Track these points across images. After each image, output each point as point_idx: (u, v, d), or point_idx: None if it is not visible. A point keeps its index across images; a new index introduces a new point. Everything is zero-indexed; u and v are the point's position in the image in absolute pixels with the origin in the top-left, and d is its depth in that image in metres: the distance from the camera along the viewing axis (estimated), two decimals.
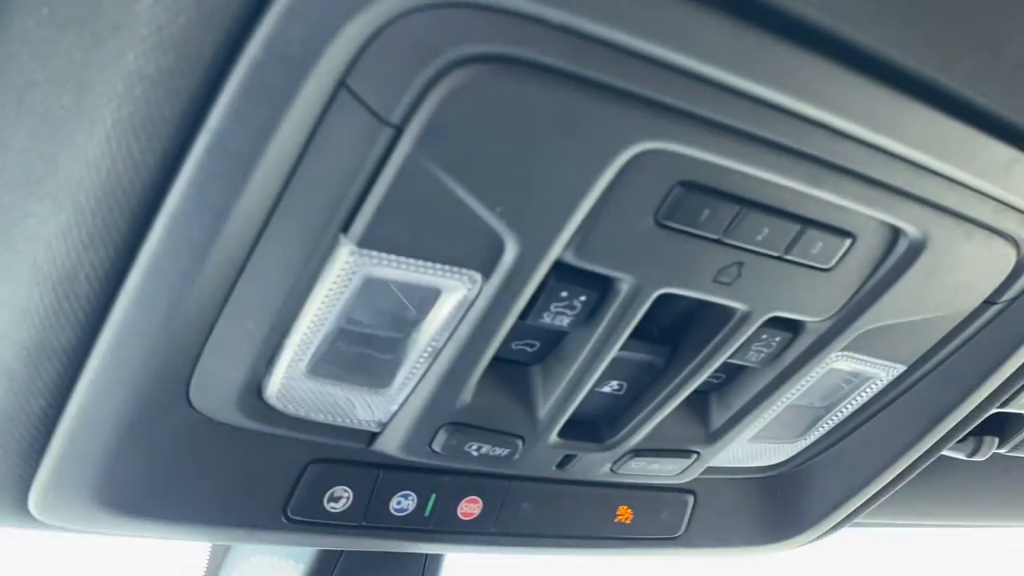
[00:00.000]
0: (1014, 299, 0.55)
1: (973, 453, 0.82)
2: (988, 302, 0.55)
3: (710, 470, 0.65)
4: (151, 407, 0.44)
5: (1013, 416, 0.81)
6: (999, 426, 0.83)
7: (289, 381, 0.46)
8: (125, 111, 0.33)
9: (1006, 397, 0.66)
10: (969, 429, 0.67)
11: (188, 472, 0.48)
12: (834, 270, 0.48)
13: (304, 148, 0.36)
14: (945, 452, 0.82)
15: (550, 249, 0.41)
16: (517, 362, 0.52)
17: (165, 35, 0.31)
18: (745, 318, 0.49)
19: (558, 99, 0.36)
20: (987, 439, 0.82)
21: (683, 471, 0.61)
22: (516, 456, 0.54)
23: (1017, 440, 0.83)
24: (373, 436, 0.52)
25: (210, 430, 0.48)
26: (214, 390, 0.46)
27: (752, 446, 0.64)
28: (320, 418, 0.49)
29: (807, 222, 0.45)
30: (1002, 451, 0.84)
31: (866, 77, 0.38)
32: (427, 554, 0.77)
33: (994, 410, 0.74)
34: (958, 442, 0.82)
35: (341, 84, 0.34)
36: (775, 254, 0.45)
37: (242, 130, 0.33)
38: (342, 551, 0.73)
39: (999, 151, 0.43)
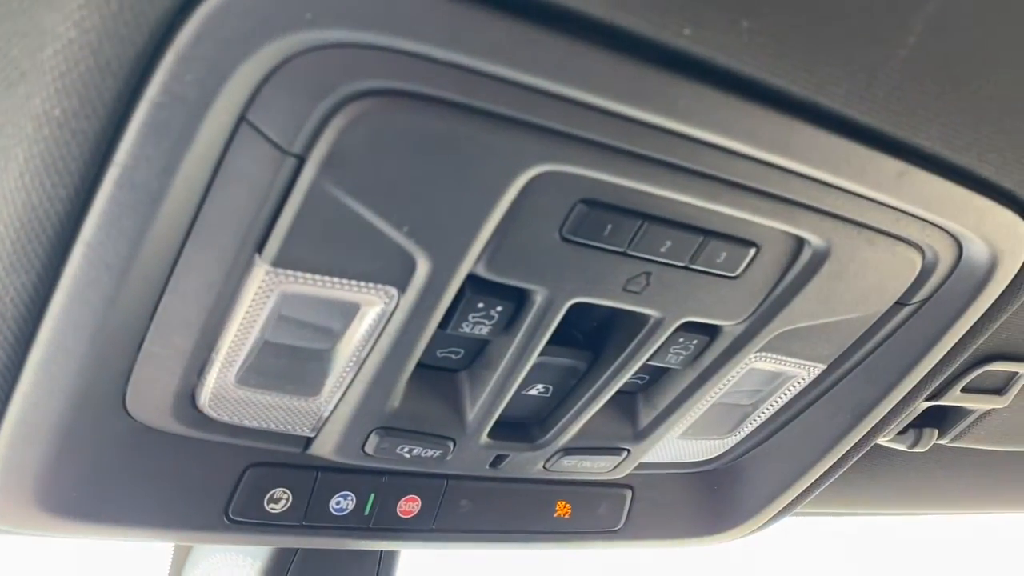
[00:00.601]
0: (926, 300, 0.58)
1: (914, 444, 0.85)
2: (900, 303, 0.57)
3: (646, 466, 0.68)
4: (87, 417, 0.46)
5: (951, 408, 0.84)
6: (939, 418, 0.86)
7: (220, 391, 0.48)
8: (35, 150, 0.35)
9: (930, 391, 0.69)
10: (897, 423, 0.70)
11: (129, 477, 0.51)
12: (741, 277, 0.50)
13: (212, 177, 0.38)
14: (887, 444, 0.85)
15: (460, 265, 0.44)
16: (445, 368, 0.55)
17: (67, 81, 0.33)
18: (659, 324, 0.51)
19: (451, 128, 0.38)
20: (927, 431, 0.84)
21: (615, 467, 0.63)
22: (448, 457, 0.56)
23: (956, 431, 0.85)
24: (308, 441, 0.55)
25: (148, 437, 0.50)
26: (149, 400, 0.48)
27: (683, 443, 0.67)
28: (254, 425, 0.52)
29: (709, 233, 0.47)
30: (942, 442, 0.87)
31: (747, 100, 0.40)
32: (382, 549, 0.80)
33: (927, 404, 0.77)
34: (899, 434, 0.85)
35: (242, 119, 0.36)
36: (680, 264, 0.48)
37: (147, 165, 0.36)
38: (297, 548, 0.76)
39: (887, 164, 0.46)
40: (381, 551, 0.80)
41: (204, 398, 0.49)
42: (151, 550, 0.93)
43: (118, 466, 0.50)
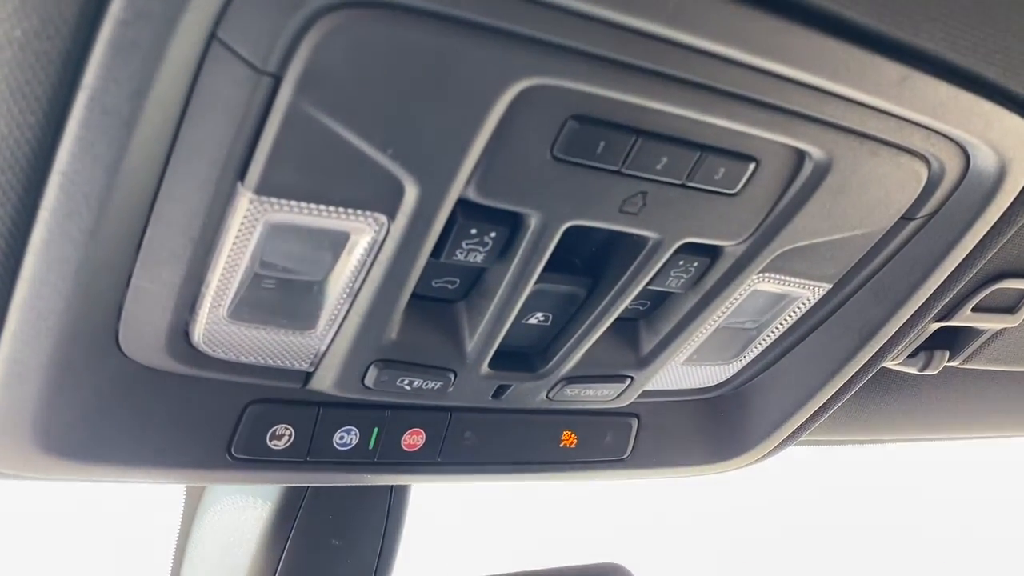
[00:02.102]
0: (933, 214, 0.56)
1: (925, 367, 0.84)
2: (906, 218, 0.56)
3: (651, 393, 0.67)
4: (81, 356, 0.46)
5: (962, 329, 0.83)
6: (950, 340, 0.85)
7: (212, 326, 0.48)
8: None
9: (940, 311, 0.68)
10: (906, 344, 0.69)
11: (129, 416, 0.51)
12: (741, 194, 0.49)
13: (186, 101, 0.37)
14: (898, 368, 0.84)
15: (449, 188, 0.42)
16: (442, 299, 0.54)
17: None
18: (658, 245, 0.50)
19: (432, 40, 0.37)
20: (938, 353, 0.83)
21: (619, 395, 0.63)
22: (450, 389, 0.56)
23: (967, 352, 0.84)
24: (308, 376, 0.54)
25: (144, 375, 0.50)
26: (142, 337, 0.48)
27: (688, 369, 0.66)
28: (250, 360, 0.51)
29: (706, 148, 0.46)
30: (954, 364, 0.86)
31: (737, 1, 0.39)
32: (392, 485, 0.80)
33: (937, 325, 0.76)
34: (909, 357, 0.84)
35: (212, 37, 0.35)
36: (677, 182, 0.47)
37: (117, 88, 0.35)
38: (307, 486, 0.76)
39: (888, 69, 0.44)
40: (391, 490, 0.81)
41: (198, 334, 0.48)
42: (164, 497, 0.94)
43: (116, 405, 0.50)
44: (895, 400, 0.98)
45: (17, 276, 0.41)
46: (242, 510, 0.77)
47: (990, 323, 0.79)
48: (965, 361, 0.86)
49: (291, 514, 0.75)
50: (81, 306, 0.43)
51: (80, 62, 0.34)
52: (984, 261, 0.61)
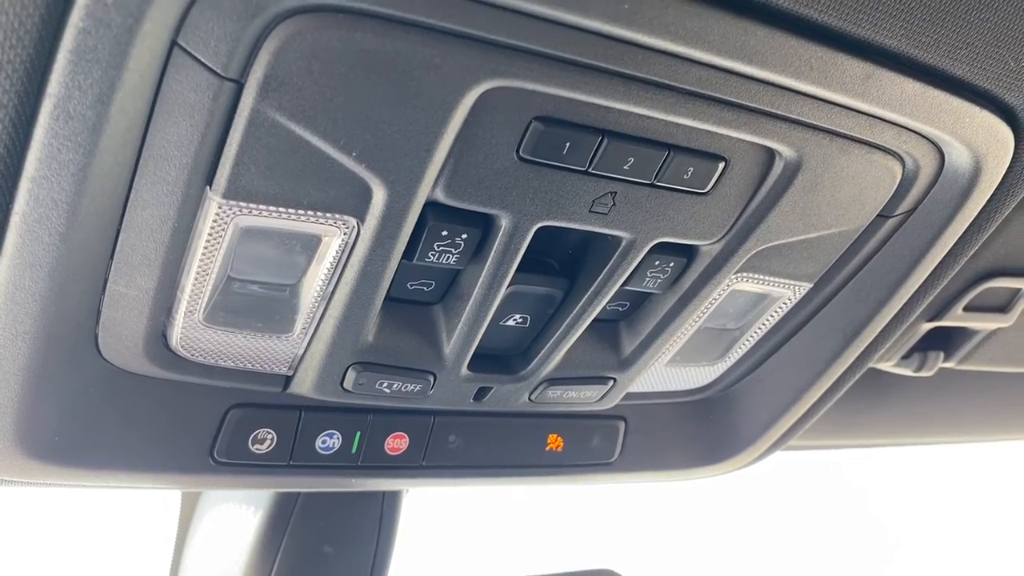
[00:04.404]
0: (910, 211, 0.56)
1: (919, 368, 0.84)
2: (883, 216, 0.56)
3: (637, 396, 0.67)
4: (60, 360, 0.47)
5: (957, 330, 0.83)
6: (945, 341, 0.84)
7: (189, 331, 0.48)
8: None
9: (930, 311, 0.68)
10: (894, 343, 0.69)
11: (111, 421, 0.51)
12: (712, 194, 0.49)
13: (151, 107, 0.38)
14: (892, 369, 0.84)
15: (416, 190, 0.43)
16: (419, 302, 0.54)
17: None
18: (631, 245, 0.51)
19: (391, 45, 0.37)
20: (932, 354, 0.83)
21: (602, 397, 0.63)
22: (430, 391, 0.56)
23: (962, 353, 0.84)
24: (287, 380, 0.55)
25: (126, 380, 0.51)
26: (121, 342, 0.48)
27: (673, 370, 0.66)
28: (229, 364, 0.52)
29: (674, 148, 0.46)
30: (949, 365, 0.85)
31: (695, 1, 0.39)
32: (384, 491, 0.81)
33: (930, 326, 0.76)
34: (903, 359, 0.84)
35: (174, 43, 0.36)
36: (646, 182, 0.47)
37: (80, 95, 0.36)
38: (299, 492, 0.76)
39: (852, 66, 0.44)
40: (383, 495, 0.81)
41: (175, 339, 0.49)
42: (161, 505, 0.95)
43: (99, 410, 0.51)
44: (891, 404, 0.98)
45: None
46: (235, 517, 0.78)
47: (983, 323, 0.79)
48: (960, 362, 0.85)
49: (283, 521, 0.75)
50: (57, 310, 0.44)
51: (44, 71, 0.35)
52: (966, 259, 0.61)
